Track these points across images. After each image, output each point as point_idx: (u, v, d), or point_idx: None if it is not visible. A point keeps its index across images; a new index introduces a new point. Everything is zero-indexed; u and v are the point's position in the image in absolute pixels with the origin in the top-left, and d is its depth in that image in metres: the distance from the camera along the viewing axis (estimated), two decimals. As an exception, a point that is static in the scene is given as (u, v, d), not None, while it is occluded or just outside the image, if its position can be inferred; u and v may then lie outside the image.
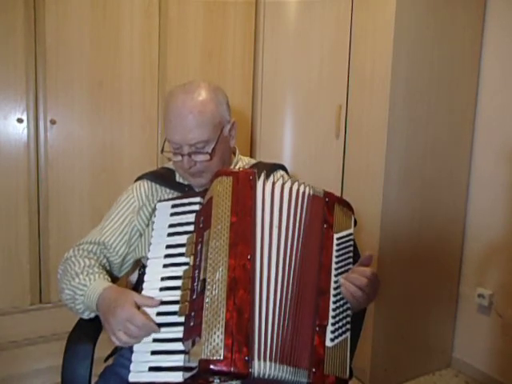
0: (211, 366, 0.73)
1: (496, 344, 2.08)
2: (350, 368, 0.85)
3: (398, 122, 1.89)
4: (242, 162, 1.22)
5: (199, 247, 0.89)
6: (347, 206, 0.98)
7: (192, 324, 0.81)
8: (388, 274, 1.97)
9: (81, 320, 1.06)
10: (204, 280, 0.82)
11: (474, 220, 2.18)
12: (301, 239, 0.89)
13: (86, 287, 0.95)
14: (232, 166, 1.18)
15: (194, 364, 0.77)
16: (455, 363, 2.26)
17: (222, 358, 0.73)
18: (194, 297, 0.84)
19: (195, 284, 0.85)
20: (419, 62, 1.91)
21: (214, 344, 0.75)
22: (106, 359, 1.10)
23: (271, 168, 1.18)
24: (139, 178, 1.18)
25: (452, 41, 1.99)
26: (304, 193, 0.93)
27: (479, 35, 2.10)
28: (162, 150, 1.10)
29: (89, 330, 1.04)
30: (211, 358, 0.74)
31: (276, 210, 0.90)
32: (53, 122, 1.73)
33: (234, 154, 1.22)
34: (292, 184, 0.94)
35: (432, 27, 1.92)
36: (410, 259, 2.04)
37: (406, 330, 2.09)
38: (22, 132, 1.69)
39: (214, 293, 0.79)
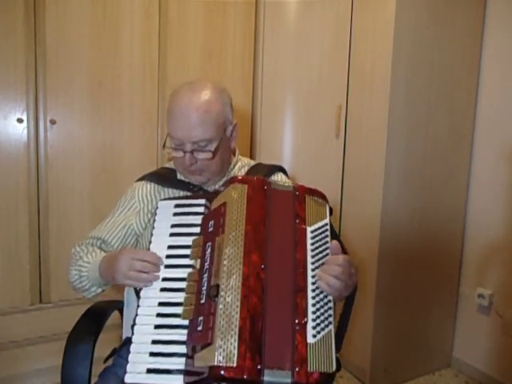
0: (222, 372, 0.73)
1: (496, 344, 2.08)
2: (338, 359, 0.83)
3: (398, 122, 1.89)
4: (241, 162, 1.22)
5: (208, 251, 0.89)
6: (320, 196, 0.96)
7: (200, 328, 0.80)
8: (388, 274, 1.97)
9: (81, 320, 1.06)
10: (217, 286, 0.81)
11: (474, 220, 2.18)
12: (277, 239, 0.88)
13: (89, 264, 1.04)
14: (231, 166, 1.18)
15: (199, 369, 0.76)
16: (455, 363, 2.26)
17: (235, 364, 0.73)
18: (203, 301, 0.83)
19: (203, 288, 0.85)
20: (419, 62, 1.91)
21: (228, 351, 0.74)
22: (106, 360, 1.11)
23: (270, 170, 1.18)
24: (141, 179, 1.18)
25: (452, 41, 1.99)
26: (270, 190, 0.93)
27: (479, 35, 2.10)
28: (164, 146, 1.10)
29: (88, 330, 1.04)
30: (224, 364, 0.73)
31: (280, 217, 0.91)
32: (53, 122, 1.73)
33: (234, 154, 1.22)
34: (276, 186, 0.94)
35: (432, 27, 1.92)
36: (410, 259, 2.04)
37: (406, 330, 2.09)
38: (22, 132, 1.69)
39: (227, 299, 0.79)
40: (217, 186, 1.11)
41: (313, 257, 0.88)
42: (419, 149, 1.98)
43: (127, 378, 0.82)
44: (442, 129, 2.04)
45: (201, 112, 1.01)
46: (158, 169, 1.28)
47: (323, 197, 0.97)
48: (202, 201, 0.99)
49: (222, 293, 0.80)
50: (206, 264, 0.88)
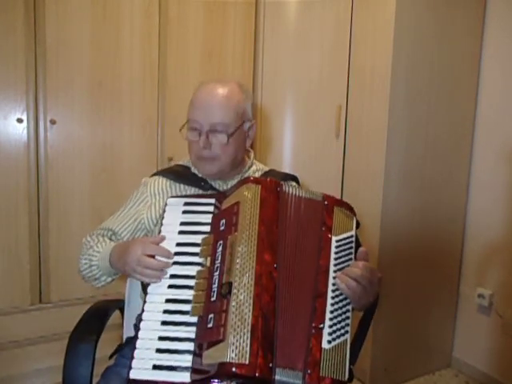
0: (234, 369, 0.73)
1: (496, 344, 2.08)
2: (351, 370, 0.84)
3: (398, 122, 1.89)
4: (256, 166, 1.23)
5: (219, 249, 0.89)
6: (348, 208, 0.98)
7: (210, 326, 0.81)
8: (388, 274, 1.97)
9: (82, 319, 1.06)
10: (230, 283, 0.82)
11: (474, 220, 2.18)
12: (298, 243, 0.89)
13: (99, 253, 1.05)
14: (246, 168, 1.19)
15: (208, 366, 0.77)
16: (455, 363, 2.26)
17: (247, 362, 0.74)
18: (214, 299, 0.84)
19: (214, 286, 0.85)
20: (419, 62, 1.91)
21: (240, 348, 0.75)
22: (111, 356, 1.11)
23: (283, 178, 1.19)
24: (154, 175, 1.20)
25: (452, 41, 1.99)
26: (301, 197, 0.94)
27: (479, 35, 2.10)
28: (181, 129, 1.12)
29: (90, 329, 1.04)
30: (236, 361, 0.73)
31: (295, 220, 0.91)
32: (53, 122, 1.73)
33: (249, 157, 1.23)
34: (288, 189, 0.94)
35: (432, 27, 1.92)
36: (410, 259, 2.04)
37: (406, 329, 2.10)
38: (22, 132, 1.69)
39: (240, 297, 0.80)
40: (229, 186, 1.12)
41: (335, 265, 0.89)
42: (419, 149, 1.98)
43: (132, 374, 0.81)
44: (442, 129, 2.04)
45: (223, 97, 1.06)
46: (171, 165, 1.28)
47: (351, 210, 0.99)
48: (212, 200, 0.99)
49: (235, 290, 0.80)
50: (216, 262, 0.88)
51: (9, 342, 1.73)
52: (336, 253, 0.90)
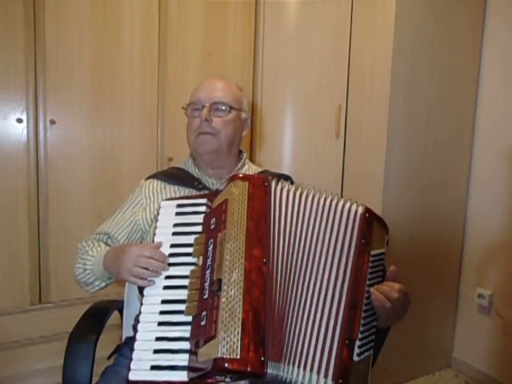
0: (226, 365, 0.73)
1: (496, 344, 2.08)
2: None
3: (398, 121, 1.89)
4: (248, 165, 1.25)
5: (210, 248, 0.89)
6: (383, 225, 0.97)
7: (203, 323, 0.81)
8: (388, 274, 1.97)
9: (82, 319, 1.07)
10: (220, 280, 0.82)
11: (474, 220, 2.18)
12: (332, 250, 0.88)
13: (93, 257, 1.07)
14: (239, 166, 1.21)
15: (203, 364, 0.77)
16: (455, 363, 2.26)
17: (238, 356, 0.74)
18: (206, 296, 0.84)
19: (206, 284, 0.85)
20: (419, 62, 1.91)
21: (231, 343, 0.75)
22: (110, 356, 1.12)
23: (278, 177, 1.19)
24: (149, 177, 1.21)
25: (452, 41, 1.99)
26: (343, 207, 0.91)
27: (479, 35, 2.10)
28: (183, 107, 1.18)
29: (90, 329, 1.05)
30: (228, 356, 0.74)
31: (296, 217, 0.90)
32: (52, 122, 1.73)
33: (242, 157, 1.24)
34: (326, 196, 0.93)
35: (432, 27, 1.92)
36: (410, 259, 2.04)
37: (405, 329, 2.09)
38: (22, 132, 1.69)
39: (230, 293, 0.80)
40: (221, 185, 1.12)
41: (369, 279, 0.88)
42: (419, 148, 1.98)
43: (131, 375, 0.81)
44: (442, 128, 2.04)
45: (224, 83, 1.17)
46: (167, 168, 1.30)
47: (385, 226, 0.98)
48: (204, 200, 1.00)
49: (225, 287, 0.80)
50: (208, 260, 0.88)
51: (9, 342, 1.73)
52: (371, 267, 0.89)
